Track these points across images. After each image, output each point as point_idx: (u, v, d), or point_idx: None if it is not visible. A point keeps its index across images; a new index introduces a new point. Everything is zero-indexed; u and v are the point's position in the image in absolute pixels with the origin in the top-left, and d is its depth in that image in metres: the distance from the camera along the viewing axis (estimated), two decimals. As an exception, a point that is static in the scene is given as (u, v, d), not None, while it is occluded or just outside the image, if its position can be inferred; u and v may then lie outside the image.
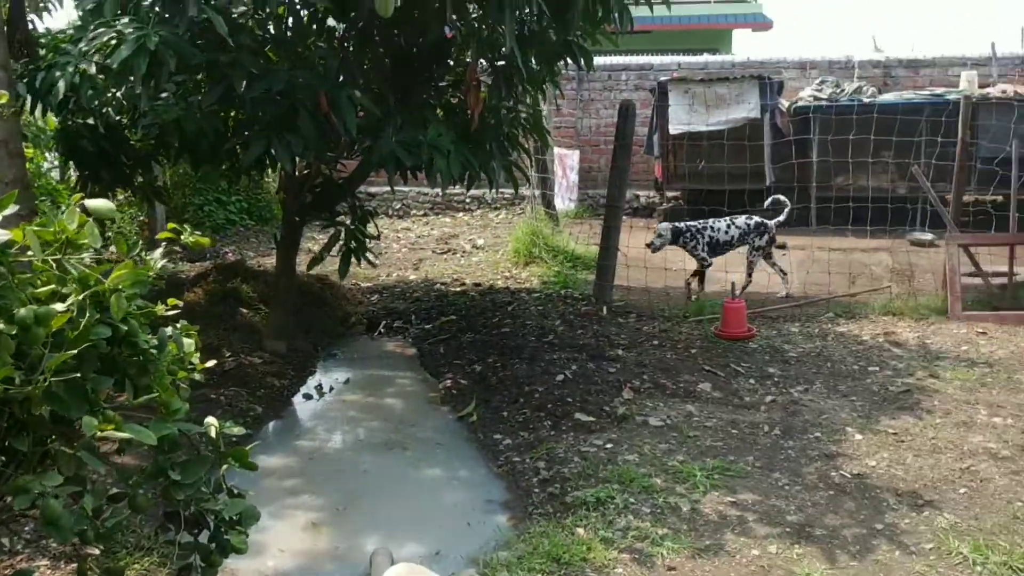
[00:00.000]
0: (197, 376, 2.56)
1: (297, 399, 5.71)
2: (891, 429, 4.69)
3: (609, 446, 4.54)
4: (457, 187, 5.93)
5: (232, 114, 5.58)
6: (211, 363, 2.71)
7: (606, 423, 4.86)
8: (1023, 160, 7.35)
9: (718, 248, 7.52)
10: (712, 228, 7.49)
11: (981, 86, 11.42)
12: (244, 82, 4.85)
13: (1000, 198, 9.84)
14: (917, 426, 4.73)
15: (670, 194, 12.44)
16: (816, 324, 6.85)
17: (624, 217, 8.93)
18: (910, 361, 5.84)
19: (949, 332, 6.49)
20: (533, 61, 5.95)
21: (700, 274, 7.60)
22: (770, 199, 7.78)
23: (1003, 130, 9.42)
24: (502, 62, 5.82)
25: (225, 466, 2.51)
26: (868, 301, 7.36)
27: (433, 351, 6.52)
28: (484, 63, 5.87)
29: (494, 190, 6.26)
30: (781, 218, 7.59)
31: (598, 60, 13.38)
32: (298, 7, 5.52)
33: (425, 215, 13.03)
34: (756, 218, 7.65)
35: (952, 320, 6.76)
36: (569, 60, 6.06)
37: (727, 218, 7.67)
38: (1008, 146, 7.62)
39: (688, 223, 7.60)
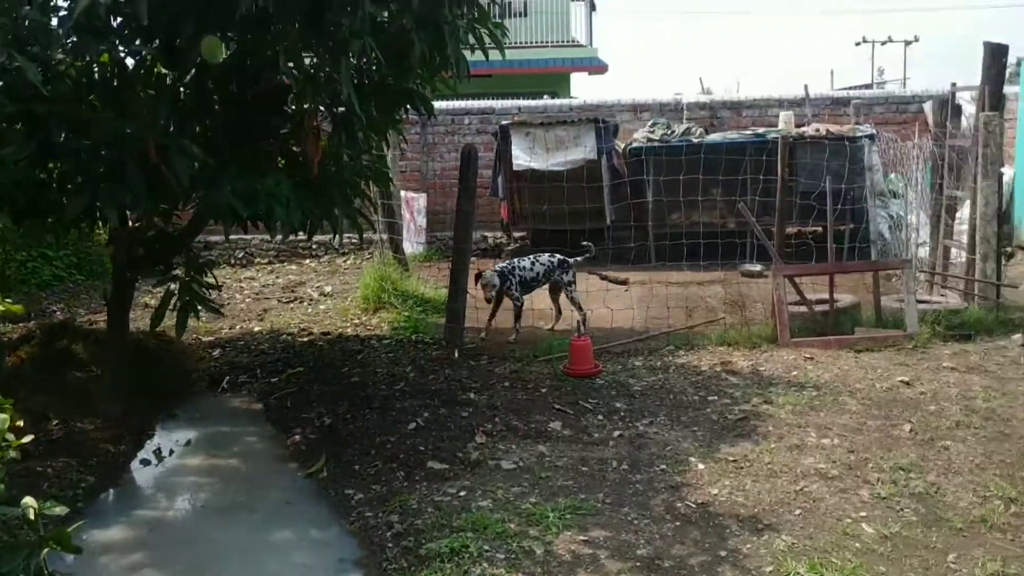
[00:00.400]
0: (13, 454, 2.37)
1: (134, 465, 5.38)
2: (731, 456, 4.91)
3: (463, 493, 4.52)
4: (301, 234, 5.81)
5: (57, 164, 5.25)
6: (28, 438, 2.52)
7: (459, 470, 4.84)
8: (836, 195, 7.98)
9: (527, 285, 7.84)
10: (519, 267, 7.82)
11: (797, 125, 12.36)
12: (63, 133, 4.58)
13: (820, 229, 10.64)
14: (754, 452, 4.97)
15: (517, 234, 12.72)
16: (658, 357, 7.12)
17: (473, 258, 9.04)
18: (745, 389, 6.15)
19: (780, 359, 6.89)
20: (373, 108, 5.93)
21: (517, 313, 7.79)
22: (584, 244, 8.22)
23: (818, 166, 10.20)
24: (342, 109, 5.77)
25: (46, 550, 2.32)
26: (705, 332, 7.72)
27: (280, 405, 6.31)
28: (323, 110, 5.81)
29: (339, 237, 6.16)
30: (580, 258, 8.05)
31: (441, 104, 13.60)
32: (123, 54, 5.29)
33: (270, 263, 12.73)
34: (559, 255, 8.02)
35: (782, 347, 7.18)
36: (409, 107, 6.09)
37: (531, 256, 8.03)
38: (822, 182, 8.22)
39: (502, 265, 7.88)
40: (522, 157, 11.44)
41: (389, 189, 7.41)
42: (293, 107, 5.95)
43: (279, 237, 5.40)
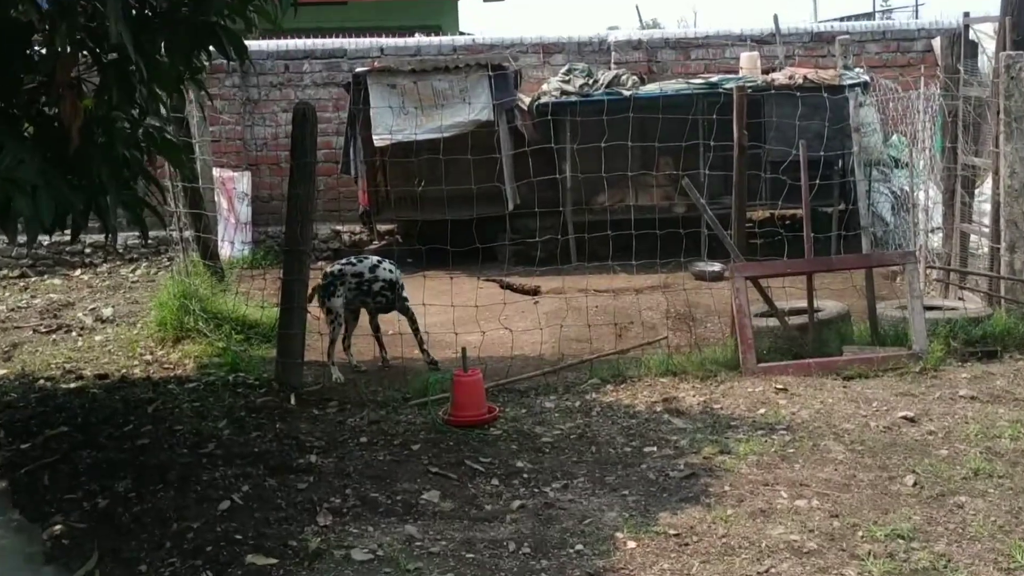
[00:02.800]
0: None
1: None
2: (672, 529, 5.01)
3: (297, 598, 4.49)
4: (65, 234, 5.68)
5: None
6: None
7: (292, 565, 4.79)
8: (816, 165, 8.29)
9: (362, 297, 8.21)
10: (355, 272, 8.15)
11: (765, 71, 12.76)
12: None
13: (797, 213, 11.00)
14: (705, 521, 5.08)
15: (382, 228, 12.75)
16: (577, 395, 7.24)
17: (321, 263, 9.02)
18: (695, 435, 6.30)
19: (742, 391, 7.09)
20: (161, 51, 5.85)
21: (332, 336, 8.08)
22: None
23: (792, 127, 10.56)
24: (113, 54, 5.67)
25: None
26: (642, 358, 7.90)
27: (34, 482, 6.13)
28: (86, 55, 5.70)
29: (113, 236, 6.04)
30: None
31: (270, 45, 13.57)
32: None
33: (22, 275, 12.46)
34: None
35: (745, 375, 7.40)
36: (214, 48, 6.03)
37: (375, 259, 8.37)
38: (794, 148, 8.50)
39: (332, 268, 8.22)
40: (386, 119, 11.47)
41: (185, 166, 7.32)
42: (42, 50, 5.82)
43: (22, 240, 5.24)
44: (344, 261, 8.36)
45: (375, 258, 8.37)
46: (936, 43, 13.37)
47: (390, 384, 7.74)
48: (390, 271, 8.21)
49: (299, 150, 7.69)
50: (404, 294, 8.28)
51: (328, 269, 8.24)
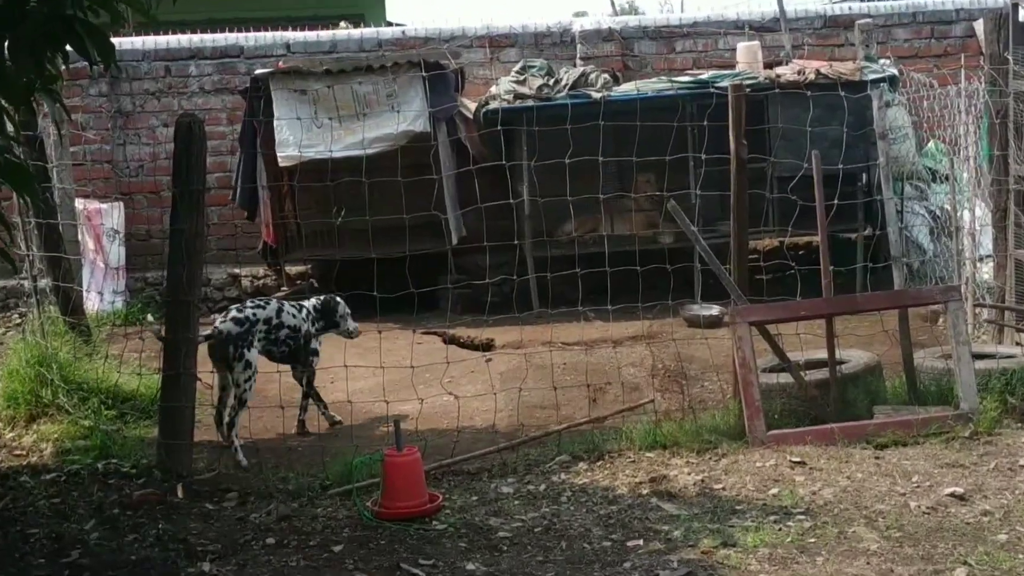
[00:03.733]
0: None
1: None
2: (665, 646, 4.98)
3: None
4: None
5: None
6: None
7: None
8: (835, 180, 8.33)
9: (279, 347, 8.64)
10: (268, 317, 8.51)
11: (768, 64, 12.86)
12: None
13: (815, 241, 11.04)
14: (705, 634, 5.06)
15: (292, 270, 12.67)
16: (541, 476, 7.20)
17: (215, 316, 9.03)
18: (691, 523, 6.27)
19: (749, 467, 7.08)
20: (3, 53, 5.82)
21: (239, 400, 8.25)
22: (317, 300, 8.96)
23: (803, 134, 10.60)
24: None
25: None
26: (623, 427, 7.89)
27: None
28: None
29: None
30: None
31: (146, 43, 13.52)
32: None
33: None
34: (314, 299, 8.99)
35: (753, 447, 7.39)
36: (72, 48, 6.00)
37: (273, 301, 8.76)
38: (805, 161, 8.55)
39: (238, 314, 8.44)
40: (294, 133, 11.45)
41: (37, 197, 7.26)
42: None
43: None
44: (252, 304, 8.69)
45: (275, 300, 8.83)
46: (979, 27, 13.47)
47: (304, 468, 7.63)
48: (293, 315, 8.60)
49: (184, 174, 7.61)
50: (313, 345, 8.69)
51: (236, 315, 8.39)
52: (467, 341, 10.85)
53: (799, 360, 8.14)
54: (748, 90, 9.56)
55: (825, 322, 8.04)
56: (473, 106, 12.37)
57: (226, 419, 8.15)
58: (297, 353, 8.62)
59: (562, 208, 11.29)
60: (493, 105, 12.01)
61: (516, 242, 11.43)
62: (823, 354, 8.06)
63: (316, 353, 8.79)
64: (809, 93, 11.11)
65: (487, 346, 10.70)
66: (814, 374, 8.06)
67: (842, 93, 10.98)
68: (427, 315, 10.77)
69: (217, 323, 8.32)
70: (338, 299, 8.91)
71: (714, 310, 10.77)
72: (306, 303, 8.85)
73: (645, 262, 9.64)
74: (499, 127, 11.80)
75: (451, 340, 10.88)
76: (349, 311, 8.91)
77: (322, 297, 8.98)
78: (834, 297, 8.16)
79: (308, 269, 13.06)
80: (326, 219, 11.91)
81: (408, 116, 11.55)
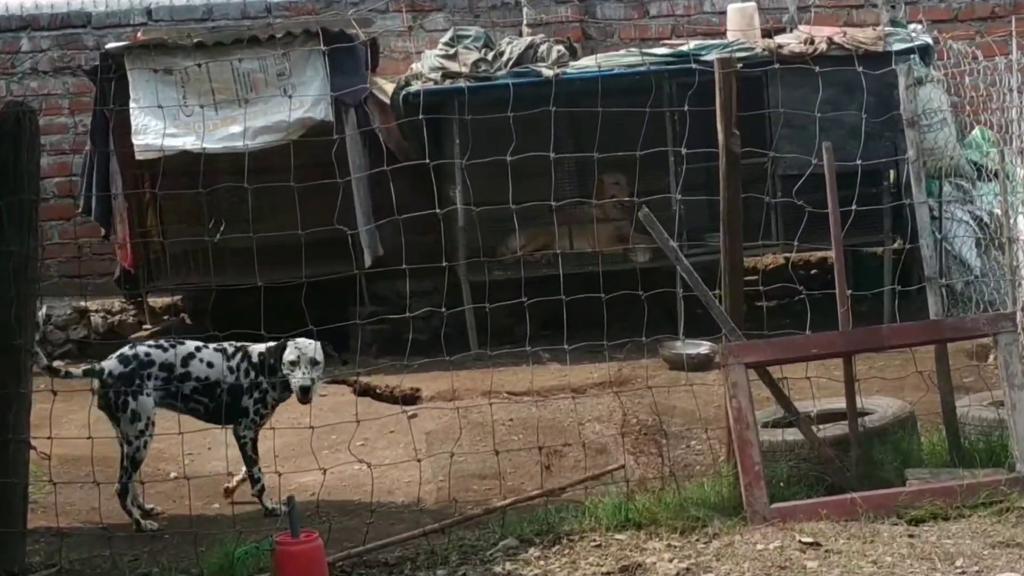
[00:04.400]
0: None
1: None
2: None
3: None
4: None
5: None
6: None
7: None
8: (853, 180, 8.27)
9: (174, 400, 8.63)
10: (167, 358, 8.61)
11: (767, 31, 12.85)
12: None
13: (829, 257, 10.99)
14: None
15: (158, 302, 12.52)
16: (481, 567, 7.14)
17: (58, 363, 9.24)
18: (673, 628, 6.20)
19: (748, 551, 6.98)
20: None
21: (131, 461, 8.42)
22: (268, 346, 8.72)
23: (809, 121, 10.54)
24: None
25: None
26: (585, 501, 7.81)
27: None
28: None
29: None
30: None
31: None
32: None
33: None
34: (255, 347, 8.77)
35: (753, 524, 7.32)
36: None
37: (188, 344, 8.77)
38: (815, 155, 8.48)
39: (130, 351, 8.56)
40: (155, 122, 11.33)
41: None
42: None
43: None
44: (152, 344, 8.88)
45: (193, 344, 8.82)
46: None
47: (173, 560, 7.51)
48: (210, 363, 8.65)
49: (9, 180, 7.48)
50: (246, 402, 8.62)
51: (125, 351, 8.62)
52: (384, 392, 10.82)
53: (810, 411, 8.09)
54: (741, 65, 9.57)
55: (843, 362, 7.98)
56: (390, 88, 12.29)
57: (116, 485, 8.24)
58: (226, 412, 8.60)
59: (506, 219, 11.22)
60: (415, 86, 11.93)
61: (446, 264, 11.29)
62: (841, 403, 8.00)
63: (257, 413, 8.69)
64: (819, 68, 11.03)
65: (410, 398, 10.66)
66: (830, 429, 8.00)
67: (860, 68, 10.93)
68: (333, 358, 10.67)
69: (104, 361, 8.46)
70: (298, 343, 8.57)
71: (702, 348, 10.70)
72: (252, 348, 8.77)
73: (613, 287, 9.55)
74: (423, 115, 11.61)
75: (364, 391, 10.90)
76: (311, 355, 8.50)
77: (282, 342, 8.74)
78: (854, 330, 8.13)
79: (177, 301, 12.88)
80: (199, 236, 11.73)
81: (304, 101, 11.44)
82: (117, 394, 8.33)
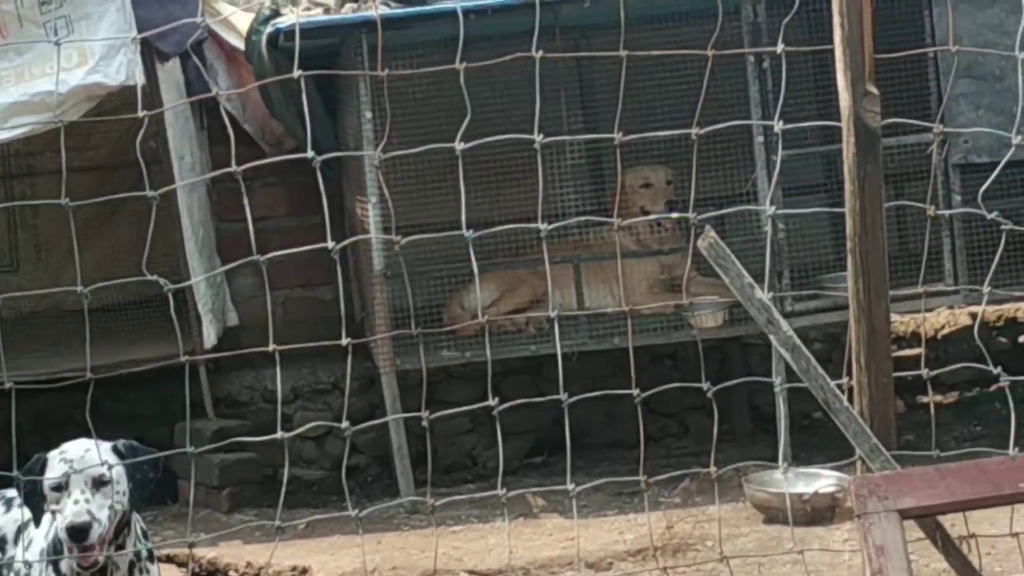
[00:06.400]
0: None
1: None
2: None
3: None
4: None
5: None
6: None
7: None
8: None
9: None
10: None
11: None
12: None
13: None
14: None
15: None
16: None
17: None
18: None
19: None
20: None
21: None
22: None
23: (1006, 72, 10.40)
24: None
25: None
26: None
27: None
28: None
29: None
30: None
31: None
32: None
33: None
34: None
35: None
36: None
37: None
38: (1018, 132, 8.30)
39: None
40: None
41: None
42: None
43: None
44: None
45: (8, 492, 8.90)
46: None
47: None
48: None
49: None
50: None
51: None
52: (247, 574, 10.56)
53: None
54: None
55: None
56: (244, 21, 12.09)
57: None
58: None
59: (459, 255, 11.02)
60: (288, 18, 11.69)
61: (352, 340, 10.99)
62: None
63: None
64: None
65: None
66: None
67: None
68: (157, 513, 10.46)
69: None
70: (66, 450, 8.11)
71: (819, 481, 10.48)
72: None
73: (657, 376, 9.39)
74: (304, 70, 11.36)
75: (210, 573, 10.59)
76: (91, 468, 7.95)
77: None
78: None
79: None
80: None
81: (92, 52, 11.28)
82: None
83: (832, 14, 7.63)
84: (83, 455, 7.98)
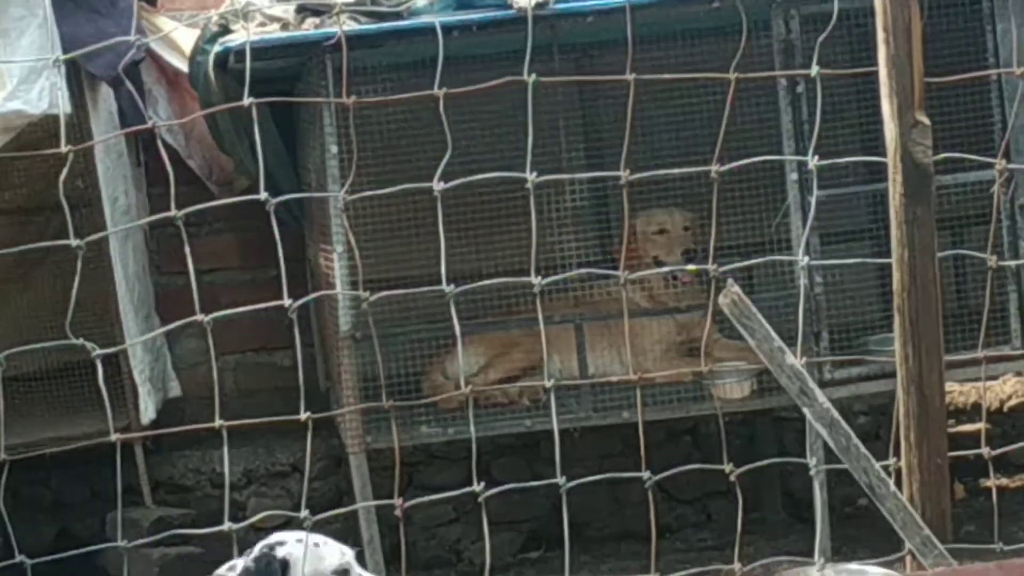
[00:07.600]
0: None
1: None
2: None
3: None
4: None
5: None
6: None
7: None
8: None
9: None
10: None
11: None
12: None
13: None
14: None
15: None
16: None
17: None
18: None
19: None
20: None
21: None
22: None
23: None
24: None
25: None
26: None
27: None
28: None
29: None
30: None
31: None
32: None
33: None
34: None
35: None
36: None
37: None
38: None
39: None
40: None
41: None
42: None
43: None
44: None
45: None
46: None
47: None
48: None
49: None
50: None
51: None
52: None
53: None
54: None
55: None
56: (188, 40, 12.04)
57: None
58: None
59: (439, 316, 10.97)
60: (238, 36, 11.65)
61: (308, 415, 10.96)
62: None
63: None
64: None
65: None
66: None
67: None
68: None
69: None
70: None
71: (865, 578, 10.43)
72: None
73: (673, 455, 9.35)
74: (255, 97, 11.34)
75: None
76: None
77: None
78: None
79: None
80: None
81: (10, 75, 11.25)
82: None
83: (876, 30, 7.58)
84: None
